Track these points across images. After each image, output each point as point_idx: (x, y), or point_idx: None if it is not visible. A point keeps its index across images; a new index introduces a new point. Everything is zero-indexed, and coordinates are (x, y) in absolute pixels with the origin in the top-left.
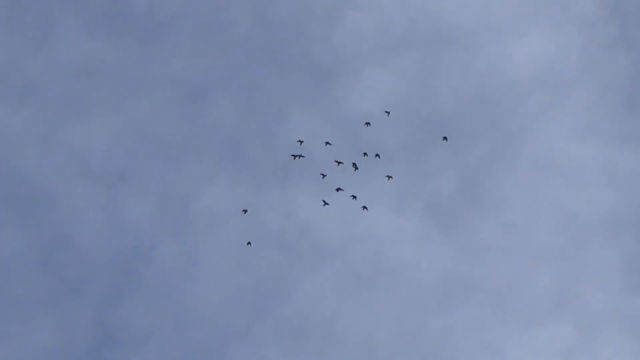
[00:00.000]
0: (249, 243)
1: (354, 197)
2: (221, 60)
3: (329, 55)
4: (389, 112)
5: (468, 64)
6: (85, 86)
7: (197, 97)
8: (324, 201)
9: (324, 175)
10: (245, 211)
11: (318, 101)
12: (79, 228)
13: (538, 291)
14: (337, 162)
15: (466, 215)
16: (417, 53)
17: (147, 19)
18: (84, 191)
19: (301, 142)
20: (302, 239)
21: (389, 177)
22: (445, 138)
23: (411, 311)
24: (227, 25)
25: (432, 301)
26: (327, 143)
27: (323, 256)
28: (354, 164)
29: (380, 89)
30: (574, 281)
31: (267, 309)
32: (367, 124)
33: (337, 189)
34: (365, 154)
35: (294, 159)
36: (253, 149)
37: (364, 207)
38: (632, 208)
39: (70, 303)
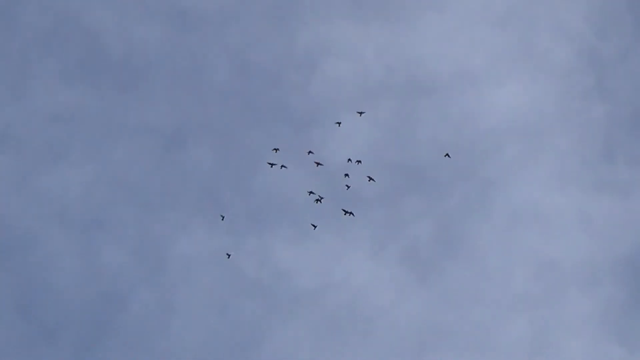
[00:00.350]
0: (229, 255)
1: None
2: (198, 107)
3: (306, 102)
4: (361, 113)
5: (445, 113)
6: (61, 133)
7: (174, 144)
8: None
9: (315, 226)
10: (229, 255)
11: (295, 149)
12: (54, 274)
13: (514, 339)
14: (316, 163)
15: (442, 263)
16: (394, 101)
17: (123, 66)
18: (60, 237)
19: (276, 150)
20: (279, 285)
21: (370, 178)
22: (447, 155)
23: (387, 358)
24: (204, 73)
25: (408, 348)
26: (311, 193)
27: (299, 303)
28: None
29: (357, 137)
30: (549, 329)
31: (244, 356)
32: (319, 163)
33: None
34: (349, 159)
35: (271, 167)
36: (230, 196)
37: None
38: (608, 256)
39: (45, 349)
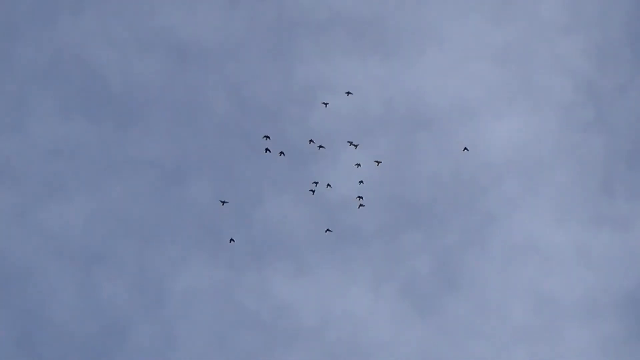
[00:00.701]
0: (231, 240)
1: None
2: (197, 141)
3: (305, 137)
4: (349, 93)
5: (444, 147)
6: (61, 167)
7: (173, 179)
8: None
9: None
10: (232, 240)
11: (294, 183)
12: (54, 308)
13: None
14: (319, 146)
15: (442, 297)
16: (393, 135)
17: (123, 100)
18: (59, 271)
19: (267, 137)
20: (278, 320)
21: (378, 162)
22: (466, 148)
23: None
24: (203, 107)
25: None
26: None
27: (299, 337)
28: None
29: (356, 172)
30: None
31: None
32: (320, 146)
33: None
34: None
35: (268, 152)
36: (229, 230)
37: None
38: (608, 291)
39: None
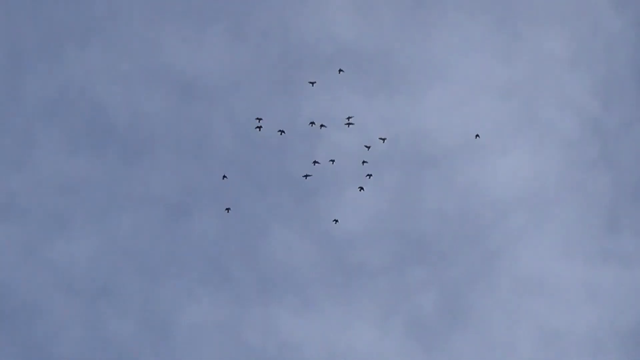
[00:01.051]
0: (227, 209)
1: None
2: (203, 177)
3: (311, 173)
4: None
5: (449, 183)
6: (66, 202)
7: (179, 214)
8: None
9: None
10: (228, 209)
11: (299, 219)
12: (60, 343)
13: None
14: (320, 125)
15: (448, 332)
16: (398, 171)
17: (128, 135)
18: (65, 306)
19: (259, 120)
20: (284, 356)
21: (383, 139)
22: (477, 135)
23: None
24: (209, 143)
25: None
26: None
27: None
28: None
29: (362, 207)
30: None
31: None
32: (322, 125)
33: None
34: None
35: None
36: (235, 265)
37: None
38: (614, 327)
39: None
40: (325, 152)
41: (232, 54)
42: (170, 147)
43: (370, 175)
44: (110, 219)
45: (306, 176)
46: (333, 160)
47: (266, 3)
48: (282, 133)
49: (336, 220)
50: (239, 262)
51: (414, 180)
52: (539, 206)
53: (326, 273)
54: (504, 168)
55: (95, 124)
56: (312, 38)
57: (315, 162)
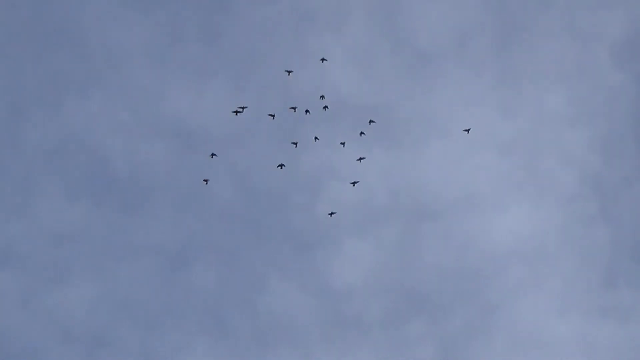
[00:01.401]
0: (213, 155)
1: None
2: (202, 227)
3: (310, 225)
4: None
5: (448, 237)
6: (66, 251)
7: (178, 264)
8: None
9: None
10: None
11: (298, 271)
12: None
13: None
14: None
15: None
16: (398, 225)
17: (128, 185)
18: (62, 355)
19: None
20: None
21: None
22: (467, 130)
23: None
24: (208, 193)
25: None
26: None
27: None
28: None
29: (361, 261)
30: None
31: None
32: (306, 111)
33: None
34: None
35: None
36: (233, 316)
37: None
38: None
39: None
40: (325, 206)
41: (232, 105)
42: (170, 197)
43: (362, 159)
44: (109, 268)
45: (280, 166)
46: (332, 213)
47: (268, 56)
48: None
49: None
50: (237, 313)
51: (413, 234)
52: (537, 261)
53: (324, 325)
54: (504, 222)
55: (95, 173)
56: (313, 90)
57: (321, 96)
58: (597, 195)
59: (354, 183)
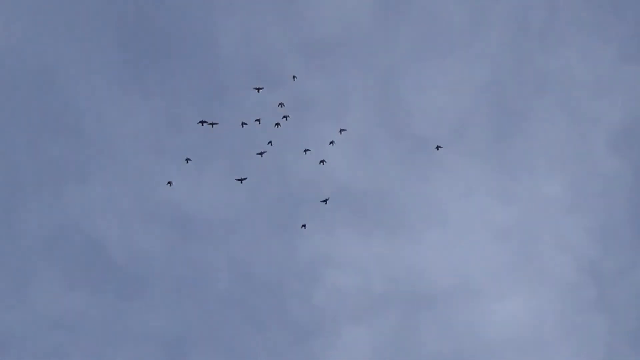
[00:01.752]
0: (188, 159)
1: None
2: (200, 315)
3: (308, 313)
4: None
5: (446, 325)
6: (63, 339)
7: (175, 352)
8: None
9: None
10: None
11: (296, 358)
12: None
13: None
14: (257, 89)
15: None
16: (396, 313)
17: (125, 273)
18: None
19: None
20: None
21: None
22: (438, 147)
23: None
24: (206, 281)
25: None
26: None
27: None
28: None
29: (359, 348)
30: None
31: None
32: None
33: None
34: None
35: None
36: None
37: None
38: None
39: None
40: (323, 293)
41: (230, 192)
42: (167, 284)
43: (343, 130)
44: (106, 356)
45: (261, 153)
46: (326, 200)
47: (265, 142)
48: (279, 125)
49: (307, 150)
50: None
51: (411, 321)
52: (535, 349)
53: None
54: (501, 310)
55: (93, 260)
56: (311, 177)
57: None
58: (595, 283)
59: (322, 161)
